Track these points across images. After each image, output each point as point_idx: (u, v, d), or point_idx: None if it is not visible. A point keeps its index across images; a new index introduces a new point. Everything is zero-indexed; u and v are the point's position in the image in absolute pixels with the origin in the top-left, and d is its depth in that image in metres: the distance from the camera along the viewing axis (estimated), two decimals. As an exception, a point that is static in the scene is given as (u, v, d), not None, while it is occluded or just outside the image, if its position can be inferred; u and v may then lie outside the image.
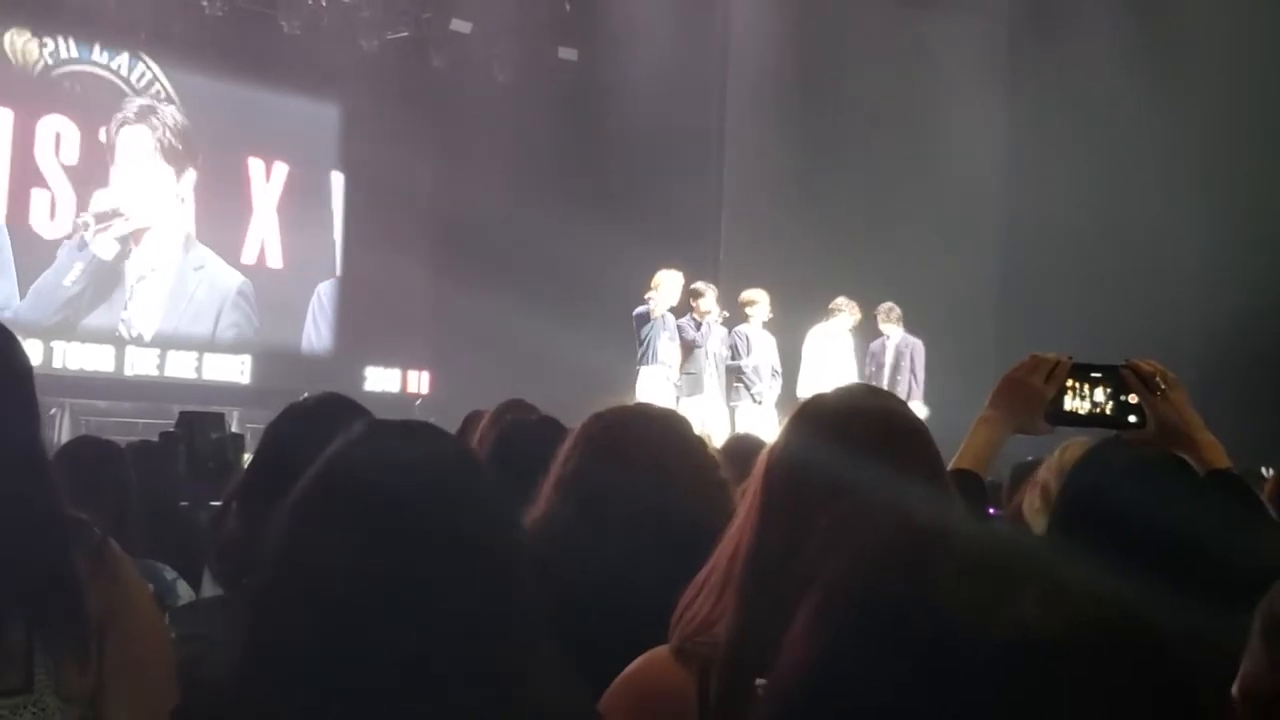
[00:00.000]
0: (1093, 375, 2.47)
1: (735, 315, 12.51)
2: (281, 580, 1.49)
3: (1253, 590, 1.82)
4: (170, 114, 14.98)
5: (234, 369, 15.25)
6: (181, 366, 14.91)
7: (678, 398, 11.74)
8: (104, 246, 14.44)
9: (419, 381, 16.55)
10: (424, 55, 15.69)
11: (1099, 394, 2.46)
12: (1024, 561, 0.85)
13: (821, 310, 12.90)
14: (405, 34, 15.73)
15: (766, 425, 11.01)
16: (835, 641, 0.84)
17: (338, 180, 16.42)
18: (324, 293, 16.35)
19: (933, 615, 0.81)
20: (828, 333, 12.76)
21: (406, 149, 15.82)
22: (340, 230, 16.40)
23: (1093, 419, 2.48)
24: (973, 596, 0.81)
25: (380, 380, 16.16)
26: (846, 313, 12.77)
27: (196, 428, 6.99)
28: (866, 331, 13.13)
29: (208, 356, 15.08)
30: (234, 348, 15.42)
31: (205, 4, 14.16)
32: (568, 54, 16.26)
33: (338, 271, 16.40)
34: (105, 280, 14.50)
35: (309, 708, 1.41)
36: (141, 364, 14.65)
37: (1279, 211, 12.59)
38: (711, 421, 11.56)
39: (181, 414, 7.38)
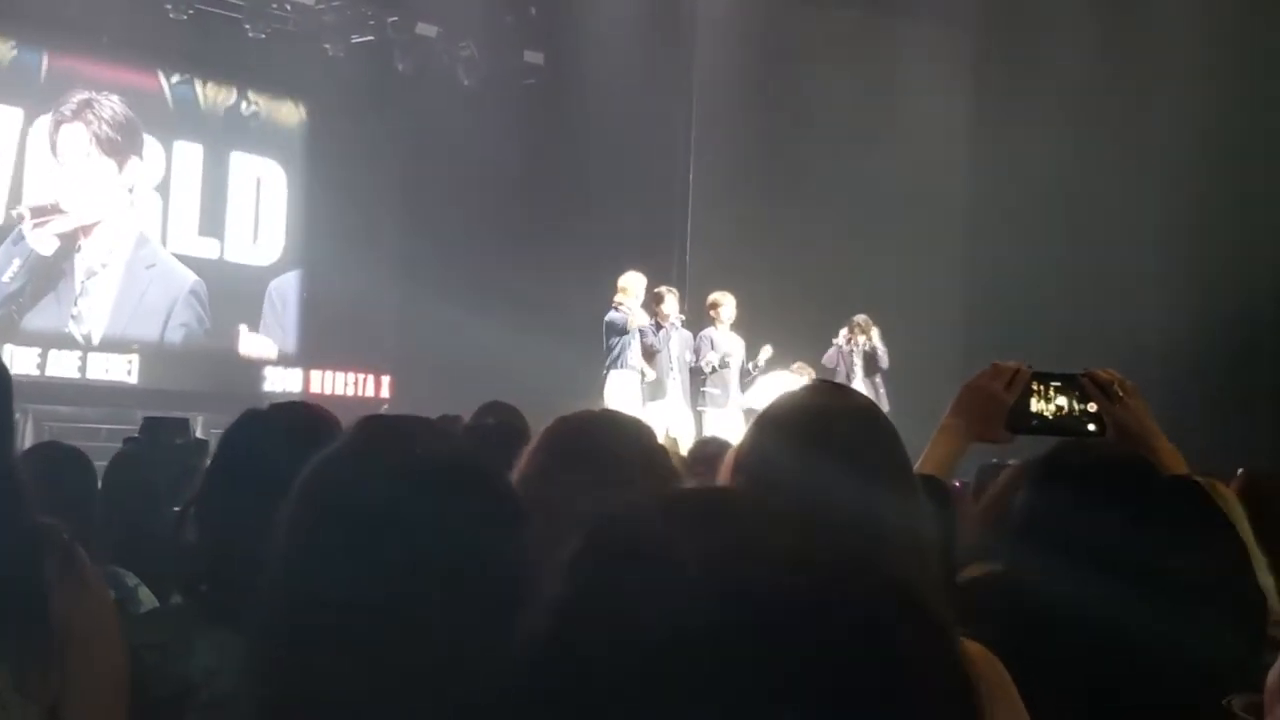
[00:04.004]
0: (1053, 384, 2.50)
1: (701, 318, 12.52)
2: (282, 598, 1.47)
3: (1208, 593, 1.84)
4: (110, 106, 14.86)
5: (121, 368, 14.80)
6: (117, 369, 14.71)
7: (643, 402, 11.74)
8: (43, 242, 14.31)
9: (324, 382, 16.25)
10: (389, 59, 15.65)
11: (1059, 402, 2.48)
12: (690, 541, 0.87)
13: (785, 312, 12.93)
14: (370, 38, 15.68)
15: (733, 428, 11.02)
16: (551, 625, 0.87)
17: (300, 182, 16.34)
18: (276, 293, 16.26)
19: (614, 599, 0.84)
20: (783, 380, 12.58)
21: (371, 152, 15.78)
22: (302, 231, 16.33)
23: (1053, 426, 2.49)
24: (642, 580, 0.84)
25: (279, 380, 15.94)
26: (806, 378, 12.75)
27: (160, 434, 6.95)
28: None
29: (91, 355, 14.65)
30: (183, 349, 15.29)
31: (169, 8, 14.09)
32: (533, 58, 16.26)
33: (296, 272, 16.32)
34: (48, 277, 14.37)
35: None
36: (111, 368, 14.58)
37: (1244, 217, 12.68)
38: (677, 426, 11.56)
39: (145, 420, 7.32)
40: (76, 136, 14.63)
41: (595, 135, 14.74)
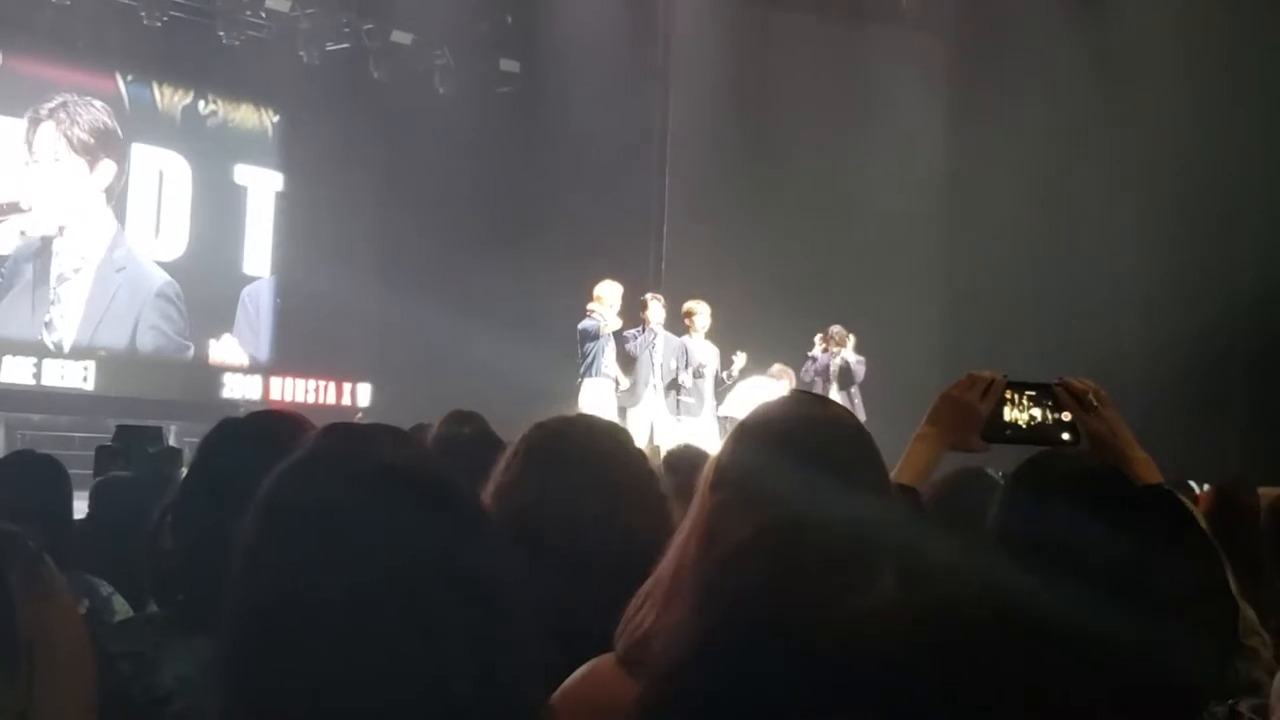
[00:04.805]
0: (1027, 393, 2.51)
1: (677, 327, 12.53)
2: (242, 605, 1.46)
3: (1185, 602, 1.85)
4: (90, 112, 14.83)
5: (88, 375, 14.64)
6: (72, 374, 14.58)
7: (621, 409, 11.74)
8: (4, 239, 14.23)
9: (284, 389, 16.11)
10: (364, 67, 15.63)
11: (1034, 411, 2.49)
12: (882, 549, 0.89)
13: (760, 321, 12.93)
14: (345, 45, 15.65)
15: (708, 436, 11.02)
16: (708, 632, 0.88)
17: (275, 189, 16.29)
18: (249, 299, 16.17)
19: (790, 604, 0.85)
20: (761, 385, 12.52)
21: (346, 159, 15.75)
22: (275, 238, 16.28)
23: (1027, 436, 2.50)
24: (828, 584, 0.85)
25: (240, 387, 15.83)
26: (785, 381, 12.72)
27: (133, 442, 6.93)
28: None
29: (66, 362, 14.54)
30: (153, 353, 15.23)
31: (144, 14, 14.04)
32: (509, 66, 16.27)
33: (270, 280, 16.27)
34: (21, 281, 14.31)
35: None
36: (67, 374, 14.47)
37: (1219, 229, 12.75)
38: (660, 433, 11.59)
39: (118, 428, 7.30)
40: (49, 137, 14.58)
41: (571, 143, 14.76)
